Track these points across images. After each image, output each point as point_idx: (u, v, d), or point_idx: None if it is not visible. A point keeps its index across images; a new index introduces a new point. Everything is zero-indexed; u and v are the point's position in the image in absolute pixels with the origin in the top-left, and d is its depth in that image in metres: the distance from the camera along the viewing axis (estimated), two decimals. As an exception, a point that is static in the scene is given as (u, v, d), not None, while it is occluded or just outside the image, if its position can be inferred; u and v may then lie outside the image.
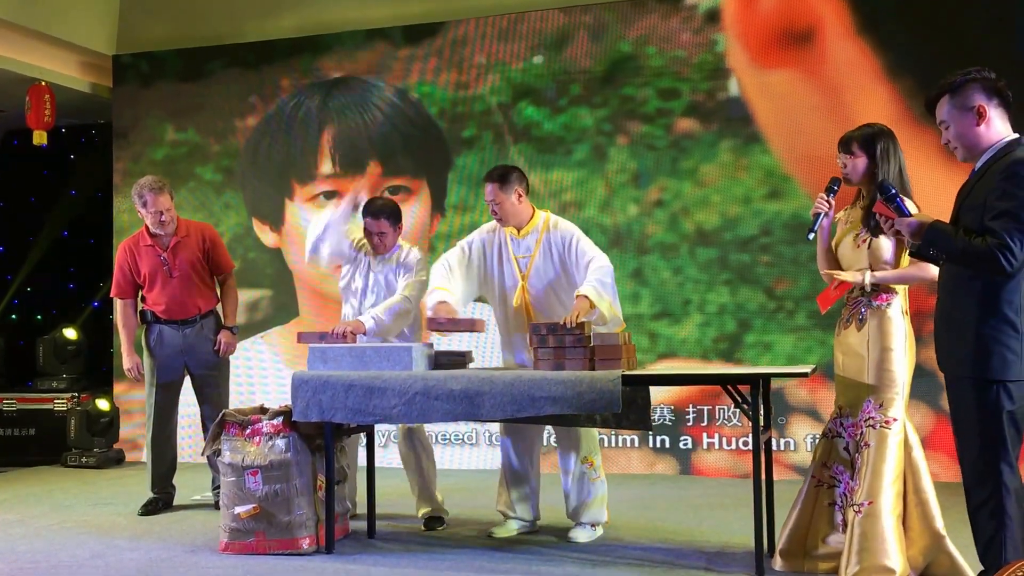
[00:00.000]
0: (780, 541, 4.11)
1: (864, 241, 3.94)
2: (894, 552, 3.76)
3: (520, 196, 4.69)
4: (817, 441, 4.19)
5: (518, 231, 4.76)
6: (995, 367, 3.22)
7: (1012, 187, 3.16)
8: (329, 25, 7.60)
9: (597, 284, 4.46)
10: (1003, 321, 3.22)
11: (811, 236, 4.03)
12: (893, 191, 3.48)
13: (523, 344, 4.72)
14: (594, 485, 4.73)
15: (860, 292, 3.96)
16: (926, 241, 3.30)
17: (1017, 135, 3.32)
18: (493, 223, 4.85)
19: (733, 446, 6.54)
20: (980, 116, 3.29)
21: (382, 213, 5.04)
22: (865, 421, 3.91)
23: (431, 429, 6.80)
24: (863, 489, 3.83)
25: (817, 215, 4.01)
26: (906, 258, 3.86)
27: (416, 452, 5.08)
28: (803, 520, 4.07)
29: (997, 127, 3.31)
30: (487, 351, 6.57)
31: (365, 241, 5.13)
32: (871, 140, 3.95)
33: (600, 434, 6.59)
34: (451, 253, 4.86)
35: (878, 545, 3.76)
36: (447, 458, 6.97)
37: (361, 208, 5.12)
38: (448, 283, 4.71)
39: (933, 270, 3.69)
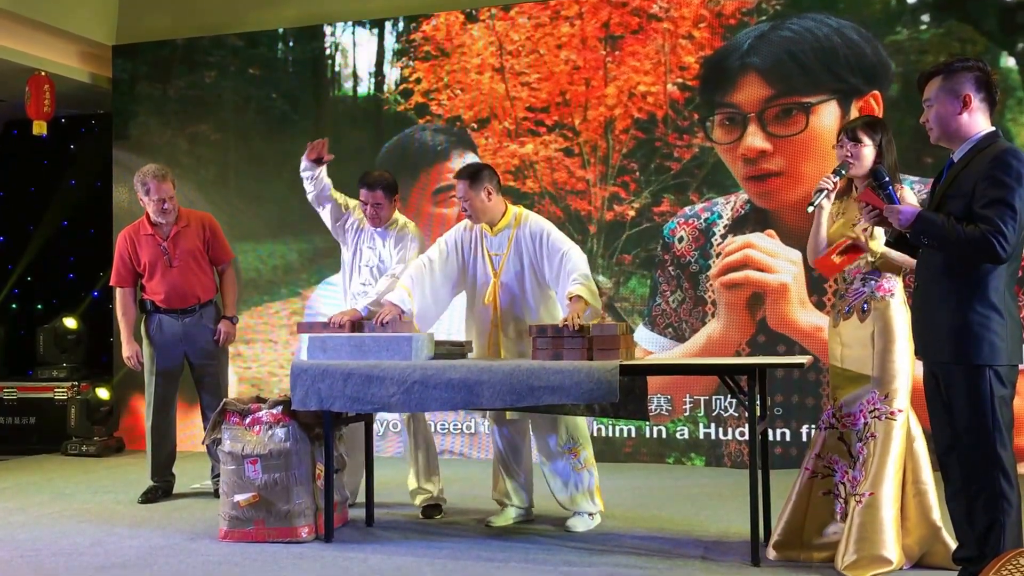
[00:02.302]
0: (776, 531, 4.13)
1: (864, 231, 3.94)
2: (891, 542, 3.78)
3: (489, 194, 4.71)
4: (813, 432, 4.21)
5: (491, 228, 4.79)
6: (985, 353, 3.24)
7: (1003, 175, 3.19)
8: (329, 15, 7.61)
9: (584, 280, 4.49)
10: (989, 307, 3.25)
11: (810, 209, 3.97)
12: (886, 178, 3.49)
13: (485, 341, 4.78)
14: (579, 475, 4.75)
15: (860, 283, 3.97)
16: (917, 230, 3.30)
17: (994, 128, 3.36)
18: None
19: (730, 436, 6.56)
20: (965, 105, 3.32)
21: (378, 184, 5.07)
22: (871, 412, 3.91)
23: (429, 418, 6.82)
24: (867, 480, 3.84)
25: (821, 190, 3.95)
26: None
27: (416, 440, 5.11)
28: (799, 510, 4.08)
29: (978, 119, 3.34)
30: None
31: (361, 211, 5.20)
32: (875, 129, 3.95)
33: (597, 423, 6.65)
34: (431, 250, 4.89)
35: (877, 535, 3.78)
36: (445, 447, 7.00)
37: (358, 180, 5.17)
38: (413, 285, 4.74)
39: None
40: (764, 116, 6.57)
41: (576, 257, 4.61)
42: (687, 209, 6.75)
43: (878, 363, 3.92)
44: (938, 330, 3.33)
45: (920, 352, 3.51)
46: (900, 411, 3.88)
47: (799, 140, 6.50)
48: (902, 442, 3.88)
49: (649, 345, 6.74)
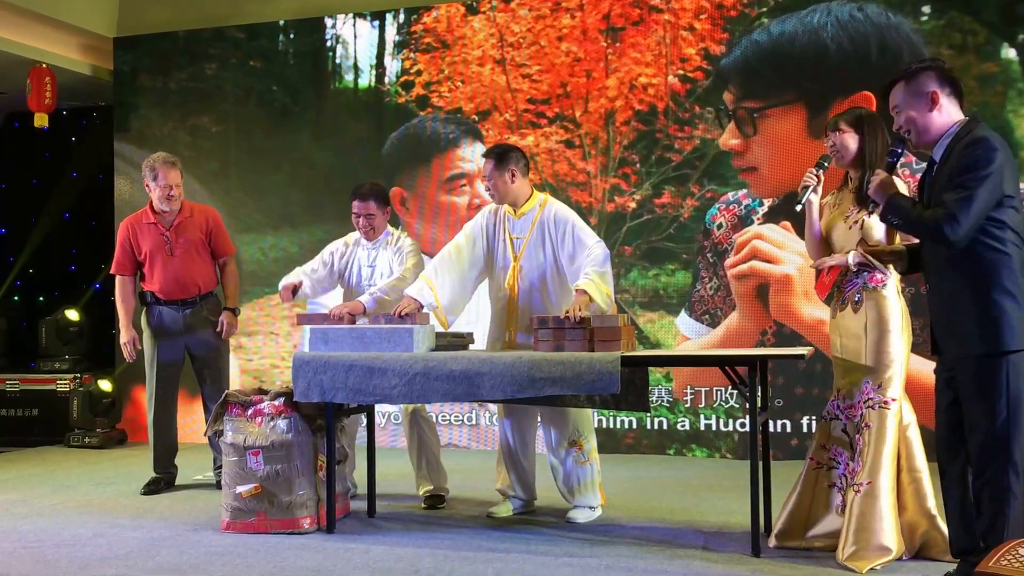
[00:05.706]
0: (779, 522, 4.14)
1: (856, 222, 3.96)
2: (890, 531, 3.79)
3: (513, 176, 4.70)
4: (816, 424, 4.22)
5: (515, 211, 4.79)
6: (1004, 340, 3.24)
7: (968, 159, 3.23)
8: (330, 7, 7.60)
9: (595, 276, 4.48)
10: (1005, 293, 3.25)
11: (799, 207, 4.03)
12: (900, 150, 3.50)
13: (503, 328, 4.77)
14: (583, 468, 4.74)
15: (854, 274, 3.98)
16: (889, 204, 3.37)
17: (968, 117, 3.38)
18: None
19: (730, 427, 6.57)
20: (933, 102, 3.36)
21: (370, 195, 5.12)
22: (864, 402, 3.93)
23: (431, 409, 6.83)
24: (865, 469, 3.86)
25: (805, 188, 4.01)
26: (898, 237, 3.90)
27: (420, 431, 5.12)
28: (803, 502, 4.09)
29: (950, 112, 3.38)
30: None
31: (351, 236, 5.23)
32: (859, 119, 3.98)
33: (598, 415, 6.66)
34: (459, 236, 4.88)
35: (876, 524, 3.79)
36: (447, 438, 7.01)
37: (350, 193, 5.21)
38: (436, 277, 4.71)
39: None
40: (738, 115, 6.62)
41: (597, 254, 4.56)
42: (730, 195, 6.71)
43: (871, 353, 3.93)
44: (955, 323, 3.33)
45: (939, 347, 3.48)
46: (893, 400, 3.89)
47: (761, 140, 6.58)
48: (895, 430, 3.89)
49: (687, 331, 6.75)
